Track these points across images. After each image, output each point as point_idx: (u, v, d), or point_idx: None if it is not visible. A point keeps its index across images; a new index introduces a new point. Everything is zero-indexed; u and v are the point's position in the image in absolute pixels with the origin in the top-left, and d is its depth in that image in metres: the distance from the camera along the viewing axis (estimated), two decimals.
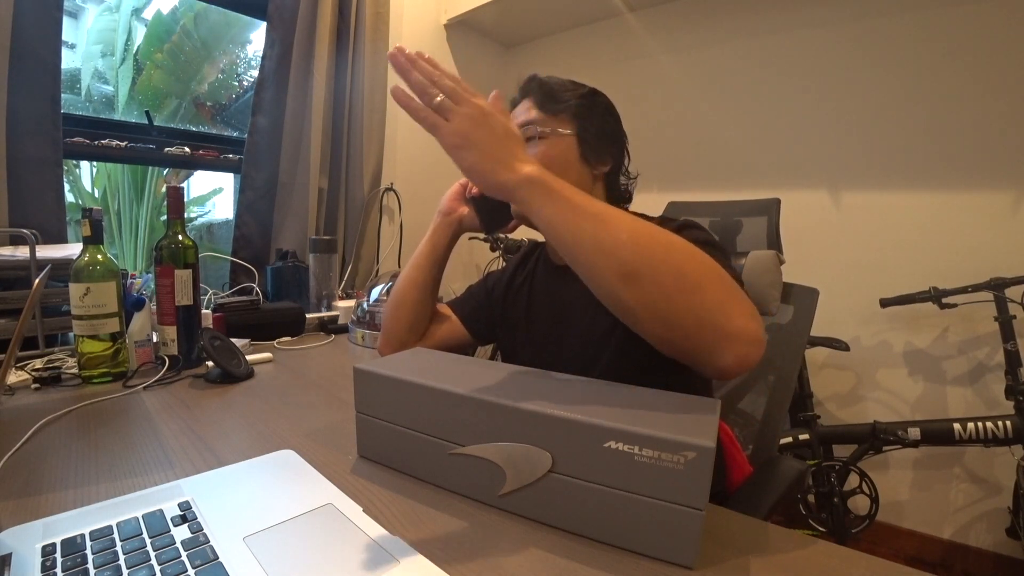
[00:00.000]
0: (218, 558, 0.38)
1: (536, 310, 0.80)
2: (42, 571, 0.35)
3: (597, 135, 0.72)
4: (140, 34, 1.94)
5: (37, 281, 0.52)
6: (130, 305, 0.88)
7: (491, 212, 0.82)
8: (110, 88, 1.87)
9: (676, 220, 0.68)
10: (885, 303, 1.45)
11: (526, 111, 0.73)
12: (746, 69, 1.76)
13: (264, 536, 0.41)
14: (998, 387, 1.37)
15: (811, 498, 1.50)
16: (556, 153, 0.70)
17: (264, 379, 0.89)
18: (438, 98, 0.49)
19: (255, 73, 1.52)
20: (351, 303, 1.37)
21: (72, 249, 1.00)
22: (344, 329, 1.30)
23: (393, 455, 0.54)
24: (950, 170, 1.43)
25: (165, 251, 0.88)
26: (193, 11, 1.96)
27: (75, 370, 0.82)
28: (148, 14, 1.96)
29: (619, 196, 0.77)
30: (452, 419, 0.48)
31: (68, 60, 1.19)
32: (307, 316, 1.29)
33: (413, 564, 0.38)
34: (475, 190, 0.81)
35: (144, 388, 0.79)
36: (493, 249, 1.95)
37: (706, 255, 0.50)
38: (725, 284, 0.49)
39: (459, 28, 2.12)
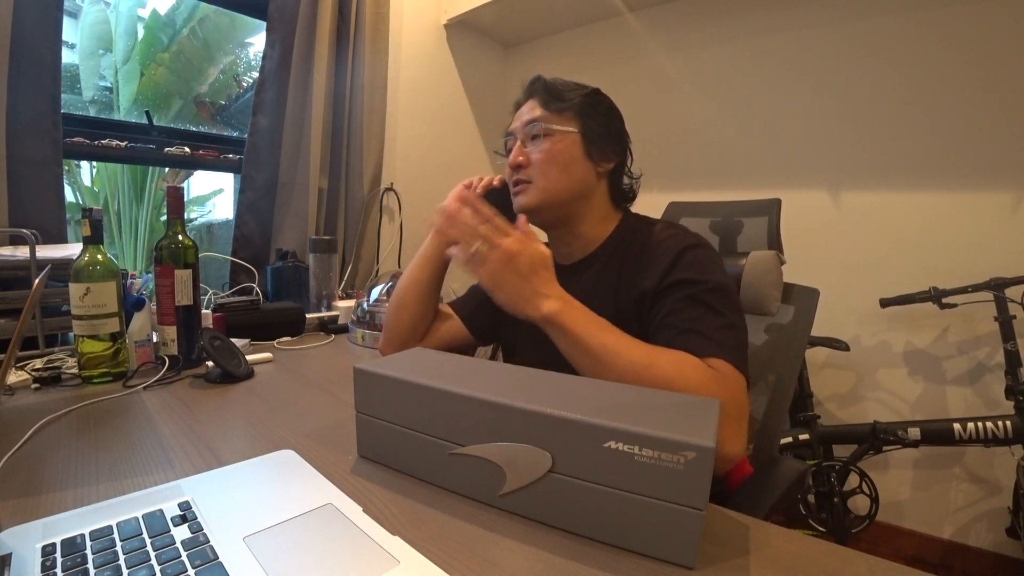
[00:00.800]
0: (218, 558, 0.38)
1: None
2: (42, 571, 0.35)
3: (601, 133, 0.72)
4: (140, 33, 1.94)
5: (37, 281, 0.52)
6: (130, 305, 0.88)
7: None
8: (107, 83, 1.87)
9: (685, 238, 0.68)
10: (885, 303, 1.45)
11: (531, 110, 0.73)
12: (746, 69, 1.75)
13: (264, 536, 0.41)
14: (998, 387, 1.37)
15: (811, 498, 1.50)
16: (560, 149, 0.71)
17: (264, 379, 0.89)
18: (474, 247, 0.60)
19: (255, 73, 1.52)
20: (351, 303, 1.37)
21: (72, 249, 1.00)
22: (344, 329, 1.30)
23: (393, 455, 0.54)
24: (950, 170, 1.43)
25: (165, 251, 0.88)
26: (197, 13, 1.97)
27: (75, 370, 0.82)
28: (145, 13, 1.96)
29: (623, 195, 0.78)
30: (452, 419, 0.48)
31: (66, 57, 1.19)
32: (307, 316, 1.29)
33: (413, 564, 0.38)
34: (479, 190, 0.81)
35: (144, 388, 0.79)
36: None
37: (705, 381, 0.53)
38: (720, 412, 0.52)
39: (459, 28, 2.11)
